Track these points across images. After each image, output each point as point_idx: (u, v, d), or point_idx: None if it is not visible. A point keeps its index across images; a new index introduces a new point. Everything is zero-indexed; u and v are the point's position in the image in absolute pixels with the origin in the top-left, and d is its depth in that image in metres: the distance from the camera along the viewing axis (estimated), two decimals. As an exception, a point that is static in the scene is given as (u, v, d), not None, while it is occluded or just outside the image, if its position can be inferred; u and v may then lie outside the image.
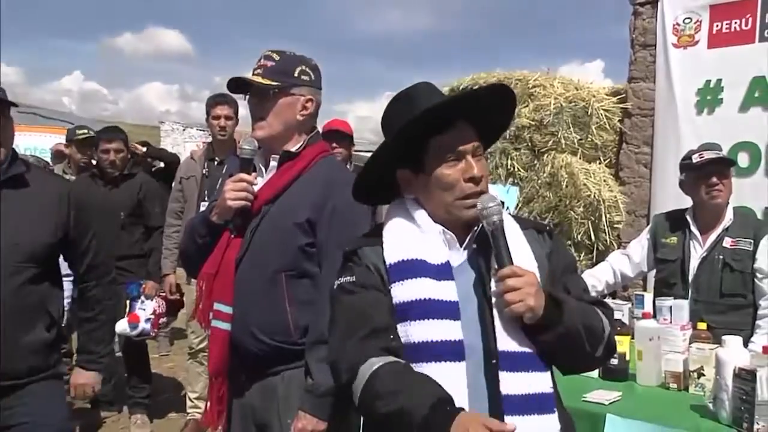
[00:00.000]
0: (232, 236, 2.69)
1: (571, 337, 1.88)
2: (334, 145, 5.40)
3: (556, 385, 1.96)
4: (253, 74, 2.68)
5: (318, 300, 2.53)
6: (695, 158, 3.94)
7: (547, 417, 1.87)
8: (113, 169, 5.64)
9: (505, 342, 1.86)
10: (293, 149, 2.71)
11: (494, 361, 1.86)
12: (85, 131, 6.50)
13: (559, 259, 2.05)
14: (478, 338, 1.89)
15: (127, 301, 5.36)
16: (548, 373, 1.92)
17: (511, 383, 1.84)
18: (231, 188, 2.63)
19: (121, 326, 5.31)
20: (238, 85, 2.71)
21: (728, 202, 3.94)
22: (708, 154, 3.91)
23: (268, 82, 2.65)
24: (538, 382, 1.88)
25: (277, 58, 2.70)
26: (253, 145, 2.71)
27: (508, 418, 1.80)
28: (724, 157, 3.86)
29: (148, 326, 5.34)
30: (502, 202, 2.16)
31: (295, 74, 2.70)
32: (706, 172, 3.88)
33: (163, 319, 5.51)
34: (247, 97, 2.75)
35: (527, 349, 1.87)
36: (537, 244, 2.01)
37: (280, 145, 2.71)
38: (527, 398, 1.85)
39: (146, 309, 5.35)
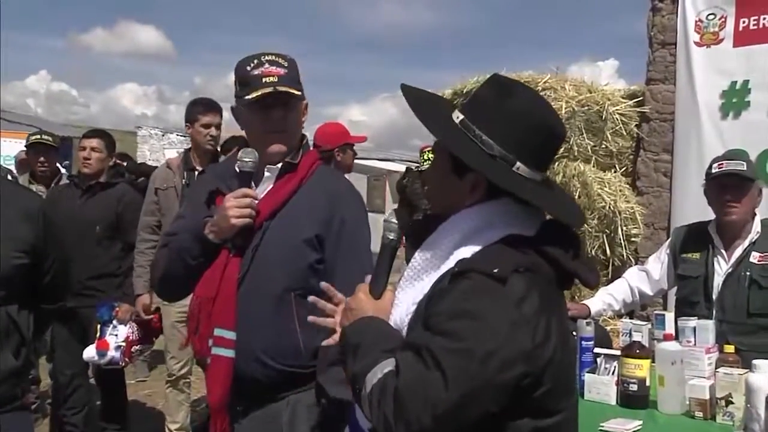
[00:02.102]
0: (231, 255, 2.68)
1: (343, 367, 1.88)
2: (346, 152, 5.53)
3: None
4: (268, 83, 2.68)
5: None
6: (714, 168, 3.95)
7: None
8: (87, 169, 5.60)
9: None
10: (294, 160, 2.75)
11: None
12: (38, 136, 6.53)
13: (430, 304, 1.77)
14: None
15: (98, 326, 5.28)
16: None
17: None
18: (234, 205, 2.62)
19: (89, 353, 5.24)
20: (275, 96, 2.69)
21: (755, 214, 3.95)
22: (728, 165, 3.91)
23: (296, 91, 2.71)
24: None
25: (286, 63, 2.73)
26: (254, 156, 2.71)
27: None
28: (740, 172, 3.84)
29: (118, 354, 5.23)
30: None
31: (300, 78, 2.77)
32: (721, 185, 3.89)
33: (136, 347, 5.40)
34: (232, 105, 2.79)
35: None
36: (436, 285, 1.82)
37: (285, 156, 2.75)
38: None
39: (118, 335, 5.25)
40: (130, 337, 5.30)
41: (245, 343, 2.64)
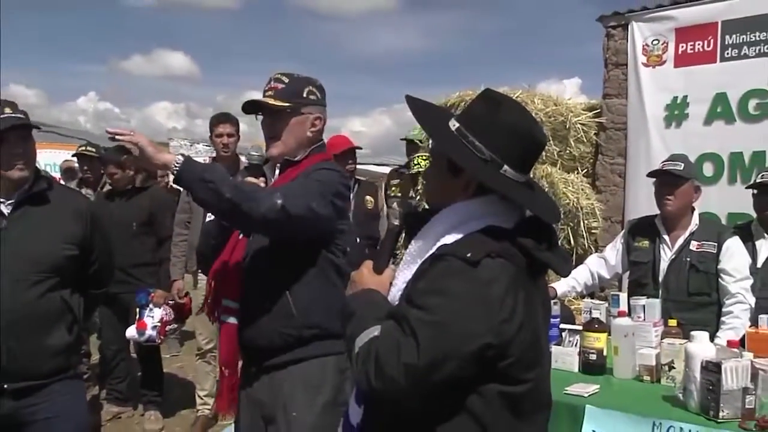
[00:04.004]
0: (240, 237, 2.71)
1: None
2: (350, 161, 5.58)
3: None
4: (265, 96, 2.70)
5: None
6: (657, 167, 4.04)
7: (355, 405, 1.89)
8: (114, 186, 5.69)
9: None
10: (294, 158, 2.74)
11: None
12: (83, 148, 6.56)
13: (412, 283, 1.78)
14: None
15: (137, 309, 5.33)
16: None
17: None
18: None
19: (130, 332, 5.31)
20: (252, 106, 2.73)
21: (694, 209, 3.97)
22: (666, 165, 3.97)
23: (281, 103, 2.67)
24: None
25: (286, 80, 2.72)
26: (261, 151, 2.76)
27: None
28: (673, 171, 3.88)
29: (154, 333, 5.28)
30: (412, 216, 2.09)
31: (304, 95, 2.72)
32: (660, 182, 3.96)
33: (170, 326, 5.43)
34: (260, 117, 2.76)
35: None
36: (419, 267, 1.81)
37: (284, 156, 2.75)
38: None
39: (154, 317, 5.30)
40: (165, 318, 5.33)
41: (246, 311, 2.67)
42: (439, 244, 1.79)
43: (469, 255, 1.68)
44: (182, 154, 2.46)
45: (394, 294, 1.85)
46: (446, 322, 1.62)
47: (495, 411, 1.74)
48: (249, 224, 2.54)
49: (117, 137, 2.48)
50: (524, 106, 1.97)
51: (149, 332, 5.27)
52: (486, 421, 1.73)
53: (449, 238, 1.79)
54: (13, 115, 2.81)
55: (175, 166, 2.40)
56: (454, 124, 1.87)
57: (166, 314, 5.34)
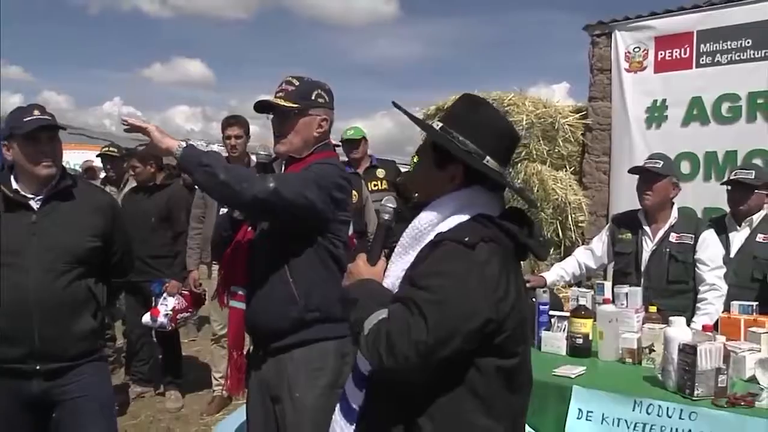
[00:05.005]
0: (249, 229, 2.72)
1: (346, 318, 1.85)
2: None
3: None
4: (276, 97, 2.69)
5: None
6: (639, 165, 4.06)
7: (356, 390, 1.88)
8: (135, 179, 5.75)
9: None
10: (299, 155, 2.73)
11: None
12: (106, 148, 6.59)
13: (413, 267, 1.80)
14: None
15: (153, 297, 5.36)
16: None
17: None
18: None
19: (145, 318, 5.34)
20: (263, 106, 2.72)
21: (673, 203, 3.98)
22: (646, 163, 4.00)
23: (290, 104, 2.66)
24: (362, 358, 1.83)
25: (296, 83, 2.71)
26: (268, 150, 2.76)
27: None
28: (651, 168, 3.90)
29: (165, 320, 5.29)
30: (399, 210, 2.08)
31: (312, 97, 2.71)
32: (640, 178, 3.98)
33: (181, 315, 5.42)
34: (270, 116, 2.75)
35: None
36: (419, 254, 1.82)
37: (289, 153, 2.74)
38: (354, 368, 1.90)
39: (167, 305, 5.31)
40: (176, 307, 5.34)
41: (252, 296, 2.68)
42: (434, 231, 1.81)
43: (466, 239, 1.71)
44: (186, 140, 2.48)
45: (392, 282, 1.86)
46: (451, 300, 1.64)
47: (491, 384, 1.76)
48: (242, 204, 2.53)
49: (129, 122, 2.54)
50: (497, 108, 2.02)
51: (161, 319, 5.29)
52: (483, 394, 1.75)
53: (444, 226, 1.81)
54: (42, 116, 2.82)
55: (177, 151, 2.44)
56: (437, 124, 1.92)
57: (179, 303, 5.35)
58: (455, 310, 1.64)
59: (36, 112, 2.83)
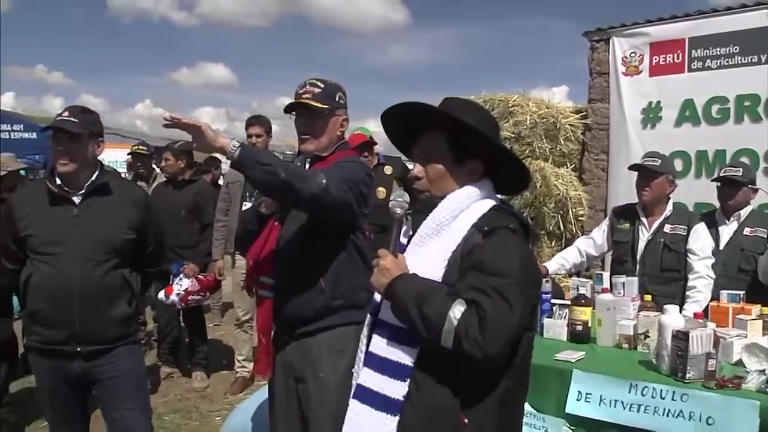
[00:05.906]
0: (276, 223, 2.71)
1: (399, 314, 1.80)
2: (366, 153, 5.50)
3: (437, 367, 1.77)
4: (302, 98, 2.67)
5: None
6: (639, 162, 4.08)
7: (395, 382, 1.81)
8: (165, 174, 5.80)
9: (385, 312, 1.89)
10: (323, 154, 2.72)
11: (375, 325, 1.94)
12: (136, 147, 6.63)
13: (472, 256, 1.77)
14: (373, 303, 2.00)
15: (171, 276, 5.34)
16: (414, 348, 1.81)
17: (377, 345, 1.89)
18: None
19: (161, 294, 5.31)
20: (295, 107, 2.69)
21: (669, 198, 3.98)
22: (644, 161, 4.03)
23: (321, 105, 2.66)
24: (400, 351, 1.82)
25: (321, 85, 2.70)
26: (294, 149, 2.74)
27: (365, 370, 1.90)
28: (649, 166, 3.93)
29: (176, 299, 5.25)
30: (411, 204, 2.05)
31: (336, 98, 2.72)
32: (638, 175, 3.99)
33: (192, 297, 5.34)
34: (293, 116, 2.72)
35: (398, 323, 1.83)
36: (466, 242, 1.80)
37: (315, 152, 2.73)
38: (384, 360, 1.85)
39: (181, 285, 5.28)
40: (189, 289, 5.29)
41: (280, 286, 2.66)
42: (461, 220, 1.84)
43: (512, 226, 1.80)
44: (238, 140, 2.36)
45: (430, 272, 1.81)
46: (520, 280, 1.72)
47: (526, 351, 1.87)
48: (299, 201, 2.42)
49: (177, 119, 2.31)
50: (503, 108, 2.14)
51: (173, 298, 5.25)
52: (522, 362, 1.85)
53: (465, 216, 1.84)
54: (65, 118, 2.82)
55: (233, 150, 2.30)
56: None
57: (192, 285, 5.30)
58: (526, 288, 1.74)
59: (65, 114, 2.84)
